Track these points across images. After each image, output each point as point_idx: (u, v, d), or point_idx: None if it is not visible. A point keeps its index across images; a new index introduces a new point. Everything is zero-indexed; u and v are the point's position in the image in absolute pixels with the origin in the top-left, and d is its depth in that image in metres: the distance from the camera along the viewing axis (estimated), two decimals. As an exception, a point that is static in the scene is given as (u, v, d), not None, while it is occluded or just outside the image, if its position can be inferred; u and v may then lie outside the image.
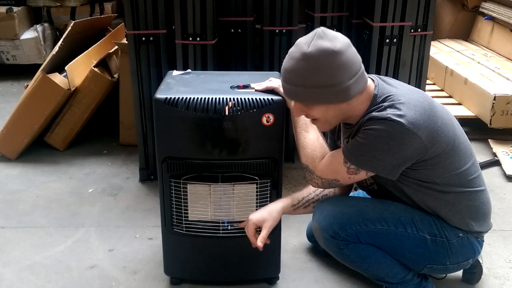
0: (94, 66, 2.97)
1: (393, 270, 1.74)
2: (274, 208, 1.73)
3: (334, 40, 1.48)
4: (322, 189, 1.83)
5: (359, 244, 1.69)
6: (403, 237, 1.68)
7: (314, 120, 1.63)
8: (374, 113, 1.54)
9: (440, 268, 1.75)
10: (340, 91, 1.50)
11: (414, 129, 1.50)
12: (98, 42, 3.28)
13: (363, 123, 1.57)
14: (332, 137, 1.85)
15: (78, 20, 3.29)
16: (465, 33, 4.47)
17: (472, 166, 1.68)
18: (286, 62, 1.53)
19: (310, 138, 1.70)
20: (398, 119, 1.49)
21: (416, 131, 1.50)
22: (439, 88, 3.74)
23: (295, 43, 1.54)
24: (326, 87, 1.49)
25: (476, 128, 3.26)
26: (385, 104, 1.54)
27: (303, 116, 1.69)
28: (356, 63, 1.51)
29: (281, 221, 1.81)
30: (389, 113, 1.51)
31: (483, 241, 1.79)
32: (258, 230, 1.71)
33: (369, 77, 1.62)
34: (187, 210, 1.76)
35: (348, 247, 1.70)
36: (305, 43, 1.49)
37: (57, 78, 2.90)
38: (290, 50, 1.54)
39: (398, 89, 1.61)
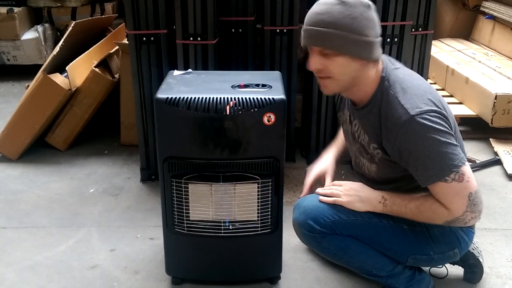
0: (95, 66, 2.98)
1: (379, 262, 1.75)
2: (328, 159, 1.90)
3: None
4: None
5: (335, 235, 1.71)
6: (378, 227, 1.69)
7: (324, 78, 1.58)
8: (397, 119, 1.50)
9: (425, 258, 1.73)
10: (368, 44, 1.52)
11: (439, 110, 1.52)
12: (99, 42, 3.28)
13: (389, 133, 1.54)
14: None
15: (78, 21, 3.29)
16: (466, 32, 4.47)
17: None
18: (317, 6, 1.52)
19: (412, 205, 1.61)
20: (423, 115, 1.49)
21: (442, 112, 1.52)
22: (440, 88, 3.73)
23: None
24: (359, 34, 1.49)
25: (478, 127, 3.26)
26: (400, 100, 1.51)
27: (387, 203, 1.66)
28: (378, 26, 1.55)
29: (282, 221, 1.81)
30: (411, 112, 1.48)
31: (473, 232, 1.76)
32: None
33: None
34: (188, 210, 1.76)
35: (325, 240, 1.72)
36: None
37: (58, 78, 2.90)
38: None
39: (405, 75, 1.60)
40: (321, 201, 1.73)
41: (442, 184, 1.50)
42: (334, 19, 1.49)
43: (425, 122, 1.47)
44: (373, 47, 1.53)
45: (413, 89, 1.54)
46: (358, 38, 1.49)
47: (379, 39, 1.55)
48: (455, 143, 1.51)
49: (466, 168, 1.50)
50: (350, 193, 1.70)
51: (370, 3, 1.52)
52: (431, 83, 3.73)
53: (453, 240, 1.71)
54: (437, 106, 1.51)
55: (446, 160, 1.48)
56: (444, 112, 1.52)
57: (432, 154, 1.49)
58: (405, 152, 1.52)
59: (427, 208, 1.57)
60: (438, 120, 1.49)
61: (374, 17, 1.53)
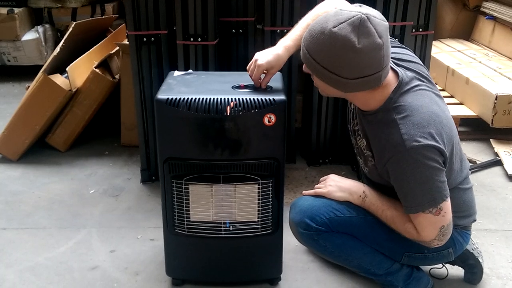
0: (95, 67, 2.97)
1: (375, 259, 1.75)
2: (281, 56, 1.70)
3: (365, 36, 1.40)
4: (322, 10, 1.70)
5: (331, 233, 1.72)
6: (374, 224, 1.70)
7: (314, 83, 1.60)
8: (392, 145, 1.50)
9: (419, 256, 1.74)
10: (338, 81, 1.48)
11: (437, 145, 1.49)
12: (99, 43, 3.28)
13: (382, 153, 1.55)
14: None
15: (79, 21, 3.29)
16: (466, 33, 4.47)
17: (461, 169, 1.68)
18: (315, 22, 1.47)
19: (388, 213, 1.67)
20: (419, 149, 1.47)
21: (439, 146, 1.49)
22: (440, 88, 3.73)
23: (340, 7, 1.47)
24: (327, 70, 1.47)
25: (478, 128, 3.26)
26: (400, 127, 1.49)
27: (370, 201, 1.70)
28: (370, 67, 1.44)
29: (283, 222, 1.81)
30: (407, 145, 1.47)
31: (469, 233, 1.78)
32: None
33: (396, 69, 1.57)
34: (188, 210, 1.76)
35: (322, 237, 1.73)
36: (336, 20, 1.41)
37: (58, 79, 2.90)
38: (330, 12, 1.46)
39: (413, 100, 1.54)
40: (304, 194, 1.79)
41: (419, 213, 1.55)
42: (311, 45, 1.47)
43: (418, 157, 1.48)
44: (345, 84, 1.48)
45: (416, 118, 1.50)
46: (326, 72, 1.47)
47: (365, 78, 1.46)
48: (443, 179, 1.52)
49: (446, 203, 1.54)
50: (331, 183, 1.76)
51: (364, 45, 1.40)
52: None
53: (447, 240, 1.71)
54: (435, 140, 1.48)
55: (428, 196, 1.52)
56: (441, 147, 1.49)
57: (417, 188, 1.52)
58: (392, 176, 1.56)
59: (400, 222, 1.63)
60: (433, 156, 1.49)
61: (359, 60, 1.42)
